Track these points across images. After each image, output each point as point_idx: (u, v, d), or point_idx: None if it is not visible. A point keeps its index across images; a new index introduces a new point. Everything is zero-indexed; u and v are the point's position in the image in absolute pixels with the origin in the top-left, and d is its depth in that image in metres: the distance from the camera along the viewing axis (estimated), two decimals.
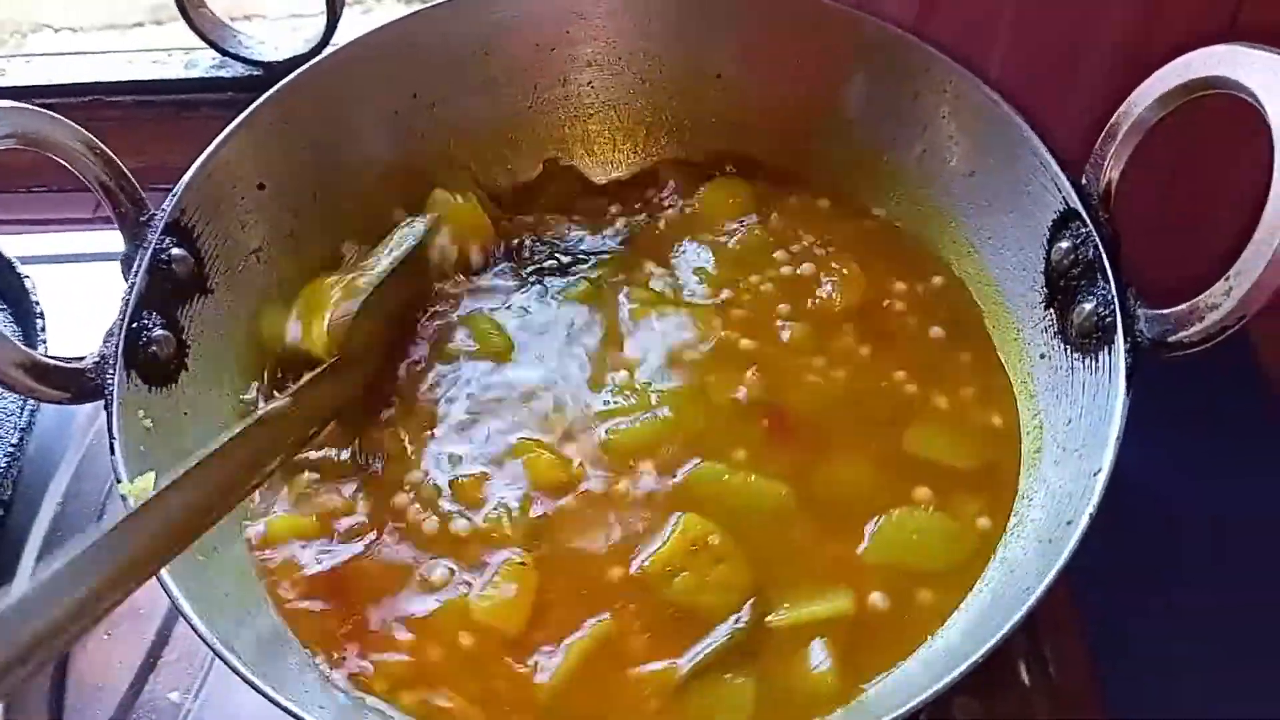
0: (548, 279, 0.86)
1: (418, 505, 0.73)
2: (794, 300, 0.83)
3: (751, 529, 0.71)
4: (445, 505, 0.73)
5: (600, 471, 0.74)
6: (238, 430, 0.65)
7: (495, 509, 0.73)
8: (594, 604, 0.69)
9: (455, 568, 0.71)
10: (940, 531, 0.72)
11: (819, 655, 0.67)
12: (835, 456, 0.75)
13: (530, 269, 0.87)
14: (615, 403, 0.78)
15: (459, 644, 0.68)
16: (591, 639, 0.68)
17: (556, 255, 0.88)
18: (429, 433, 0.77)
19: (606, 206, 0.91)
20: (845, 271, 0.84)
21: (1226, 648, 0.79)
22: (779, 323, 0.82)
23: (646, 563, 0.70)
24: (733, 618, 0.68)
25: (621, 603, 0.69)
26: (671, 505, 0.73)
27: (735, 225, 0.88)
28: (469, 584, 0.70)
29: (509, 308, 0.84)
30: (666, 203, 0.91)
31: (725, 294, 0.84)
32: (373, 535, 0.73)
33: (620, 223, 0.90)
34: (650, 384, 0.79)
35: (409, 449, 0.76)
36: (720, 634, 0.68)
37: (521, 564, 0.70)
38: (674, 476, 0.74)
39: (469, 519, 0.73)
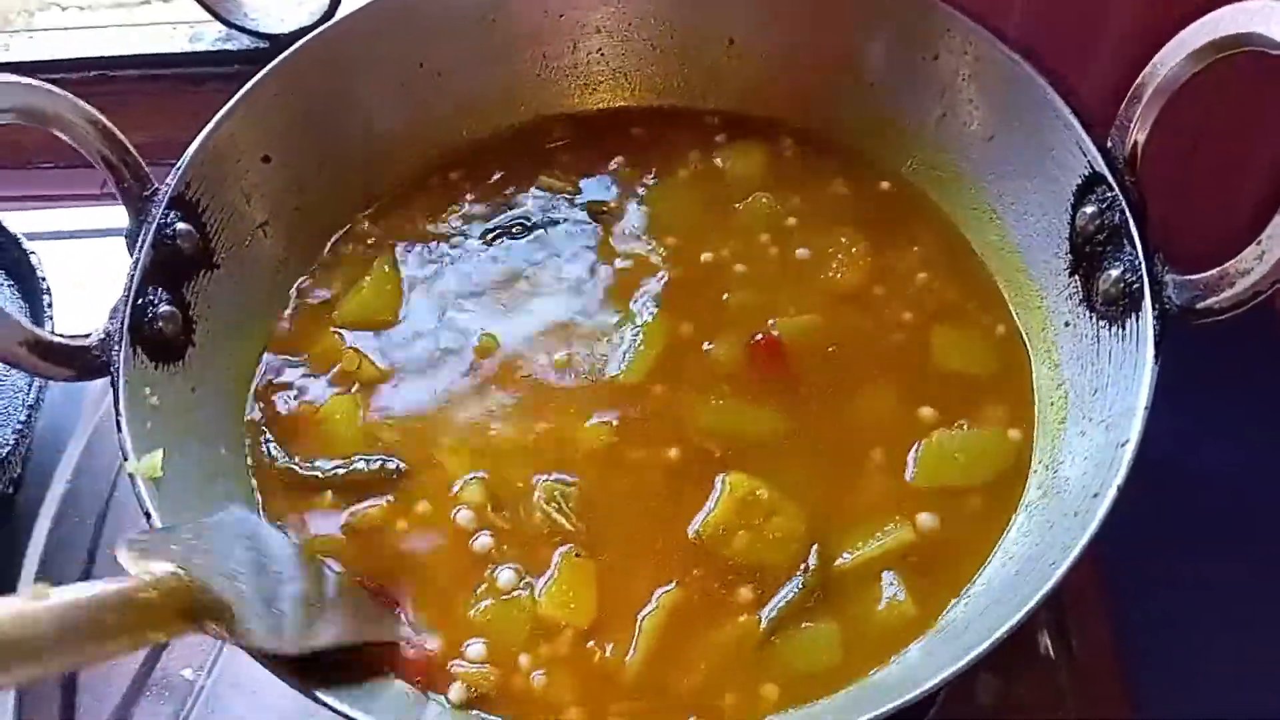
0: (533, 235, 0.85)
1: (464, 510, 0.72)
2: (801, 276, 0.82)
3: (796, 477, 0.71)
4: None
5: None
6: None
7: (541, 501, 0.72)
8: (659, 577, 0.68)
9: (518, 568, 0.69)
10: (979, 447, 0.72)
11: (892, 588, 0.67)
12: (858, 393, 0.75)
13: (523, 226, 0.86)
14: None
15: (538, 649, 0.67)
16: (662, 610, 0.67)
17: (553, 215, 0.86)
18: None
19: (611, 168, 0.89)
20: (853, 249, 0.82)
21: (1252, 622, 0.78)
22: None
23: (701, 528, 0.69)
24: (800, 567, 0.68)
25: (684, 571, 0.68)
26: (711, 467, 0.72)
27: (747, 191, 0.86)
28: (531, 585, 0.69)
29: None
30: (678, 165, 0.89)
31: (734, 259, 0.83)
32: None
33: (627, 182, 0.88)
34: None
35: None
36: (792, 585, 0.67)
37: (578, 555, 0.69)
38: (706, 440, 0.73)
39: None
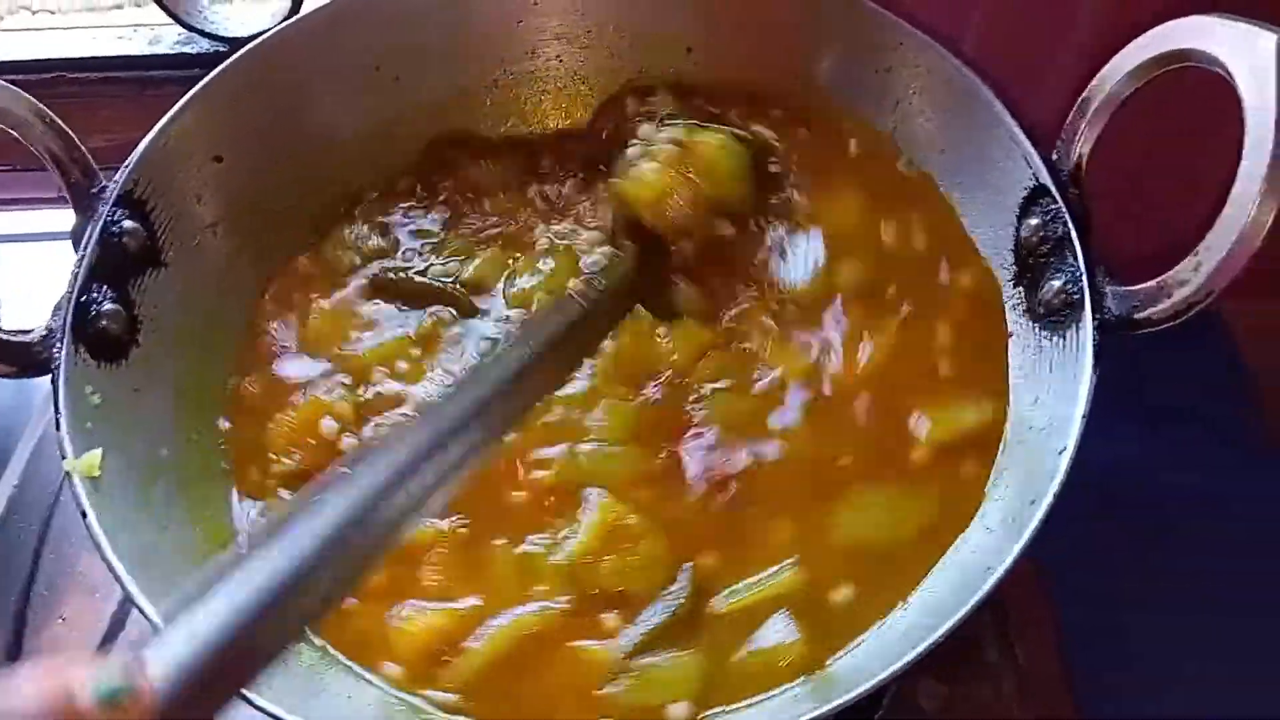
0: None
1: None
2: None
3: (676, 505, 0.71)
4: None
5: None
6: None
7: None
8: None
9: None
10: (895, 506, 0.71)
11: (775, 628, 0.66)
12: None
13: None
14: None
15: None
16: (515, 627, 0.67)
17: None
18: None
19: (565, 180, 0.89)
20: None
21: (1196, 628, 0.78)
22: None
23: (570, 554, 0.69)
24: (666, 593, 0.67)
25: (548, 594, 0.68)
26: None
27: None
28: None
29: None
30: None
31: None
32: None
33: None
34: None
35: None
36: (657, 611, 0.67)
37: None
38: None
39: None
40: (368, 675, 0.67)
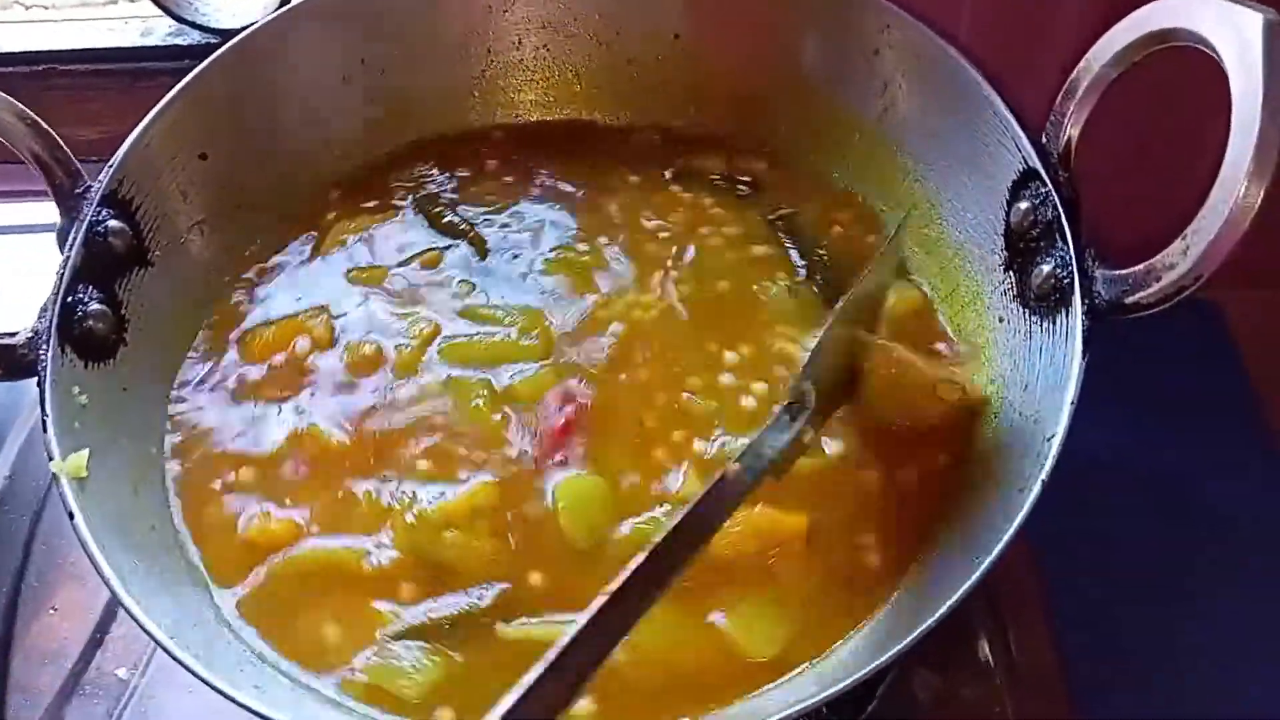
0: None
1: None
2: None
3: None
4: None
5: None
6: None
7: None
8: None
9: None
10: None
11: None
12: None
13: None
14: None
15: None
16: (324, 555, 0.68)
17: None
18: None
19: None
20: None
21: (1192, 622, 0.78)
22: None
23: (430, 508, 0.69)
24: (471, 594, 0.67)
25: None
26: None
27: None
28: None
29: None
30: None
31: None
32: None
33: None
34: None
35: None
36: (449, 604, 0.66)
37: None
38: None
39: None
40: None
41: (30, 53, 1.12)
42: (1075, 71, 0.68)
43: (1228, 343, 0.92)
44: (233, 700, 0.56)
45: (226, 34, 1.02)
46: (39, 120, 0.71)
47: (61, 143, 0.72)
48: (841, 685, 0.57)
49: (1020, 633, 0.77)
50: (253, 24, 0.94)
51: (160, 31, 1.13)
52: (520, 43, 0.90)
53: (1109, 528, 0.80)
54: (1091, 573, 0.79)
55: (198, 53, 1.07)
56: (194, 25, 1.06)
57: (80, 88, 1.12)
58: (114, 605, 0.79)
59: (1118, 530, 0.81)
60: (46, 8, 1.23)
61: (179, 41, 1.11)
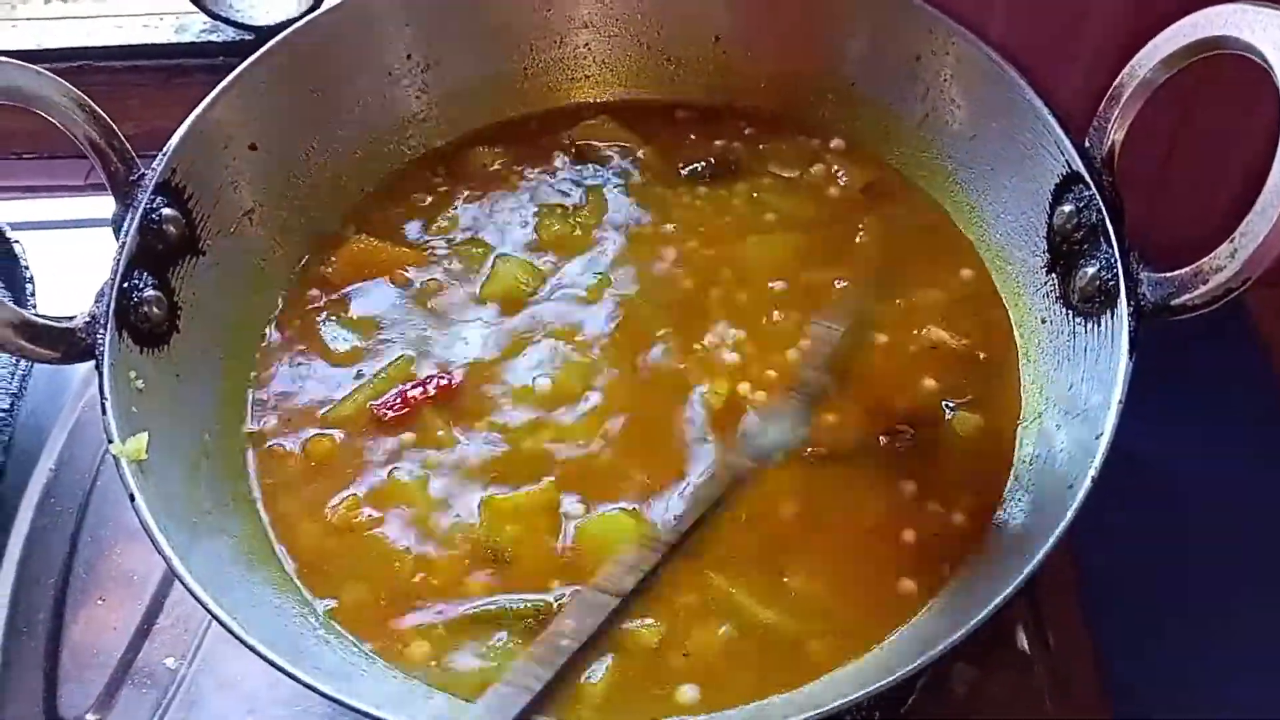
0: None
1: None
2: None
3: None
4: None
5: None
6: None
7: None
8: None
9: None
10: None
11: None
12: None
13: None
14: None
15: None
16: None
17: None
18: None
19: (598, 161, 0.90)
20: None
21: (1230, 620, 0.79)
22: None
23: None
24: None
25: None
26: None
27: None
28: None
29: None
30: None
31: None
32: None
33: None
34: None
35: None
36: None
37: None
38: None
39: None
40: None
41: (66, 49, 1.13)
42: (1120, 77, 0.69)
43: (1253, 341, 0.93)
44: (297, 679, 0.57)
45: (260, 30, 1.04)
46: (96, 107, 0.72)
47: (117, 130, 0.73)
48: (887, 681, 0.58)
49: (1058, 627, 0.77)
50: (292, 19, 0.95)
51: (195, 28, 1.14)
52: (562, 41, 0.91)
53: (1139, 522, 0.81)
54: (1125, 567, 0.80)
55: (232, 49, 1.09)
56: (228, 22, 1.07)
57: (116, 84, 1.13)
58: (161, 596, 0.80)
59: (1148, 525, 0.81)
60: (65, 1, 1.24)
61: (213, 38, 1.12)
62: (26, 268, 0.90)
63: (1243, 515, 0.83)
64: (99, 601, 0.80)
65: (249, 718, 0.75)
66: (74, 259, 0.96)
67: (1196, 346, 0.85)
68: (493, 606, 0.68)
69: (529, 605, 0.67)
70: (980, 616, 0.58)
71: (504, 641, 0.66)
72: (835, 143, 0.89)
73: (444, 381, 0.76)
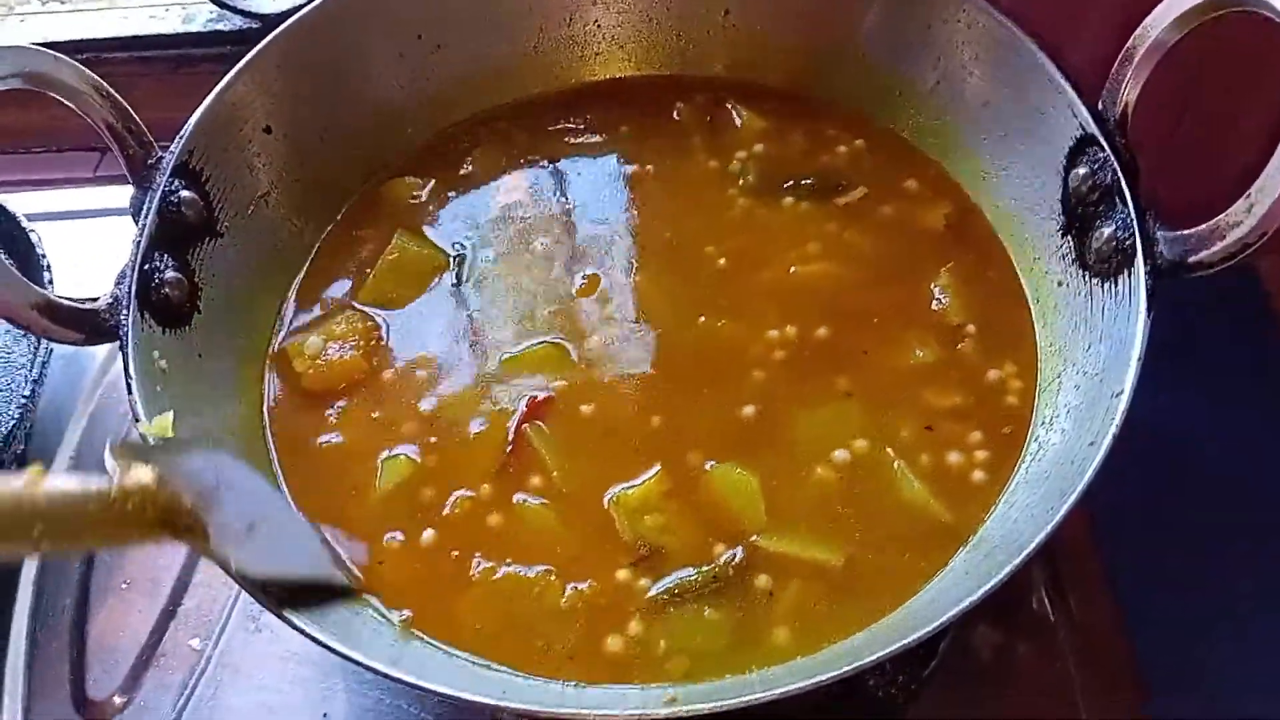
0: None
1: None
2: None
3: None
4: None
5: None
6: None
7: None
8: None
9: None
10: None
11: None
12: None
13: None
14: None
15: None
16: None
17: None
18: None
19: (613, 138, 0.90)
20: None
21: (1246, 573, 0.79)
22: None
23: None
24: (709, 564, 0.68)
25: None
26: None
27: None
28: None
29: None
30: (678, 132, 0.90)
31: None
32: None
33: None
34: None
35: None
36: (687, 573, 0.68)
37: None
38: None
39: None
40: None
41: (73, 41, 1.13)
42: (1132, 38, 0.69)
43: (1268, 313, 0.93)
44: (340, 655, 0.57)
45: (267, 19, 1.04)
46: (114, 92, 0.72)
47: (133, 114, 0.73)
48: (911, 638, 0.58)
49: (1077, 587, 0.78)
50: (299, 6, 0.96)
51: (201, 18, 1.14)
52: (571, 19, 0.91)
53: (1152, 482, 0.81)
54: (1140, 525, 0.80)
55: (239, 38, 1.09)
56: (235, 10, 1.07)
57: (123, 74, 1.12)
58: (185, 579, 0.81)
59: (1161, 484, 0.81)
60: (62, 1, 1.24)
61: (221, 27, 1.13)
62: (43, 255, 0.90)
63: (1263, 484, 0.83)
64: (123, 586, 0.81)
65: (273, 695, 0.75)
66: (85, 247, 0.96)
67: (1212, 324, 0.86)
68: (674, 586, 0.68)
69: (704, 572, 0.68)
70: (1002, 575, 0.58)
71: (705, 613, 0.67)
72: None
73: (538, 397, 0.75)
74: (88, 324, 0.67)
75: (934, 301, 0.78)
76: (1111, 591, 0.78)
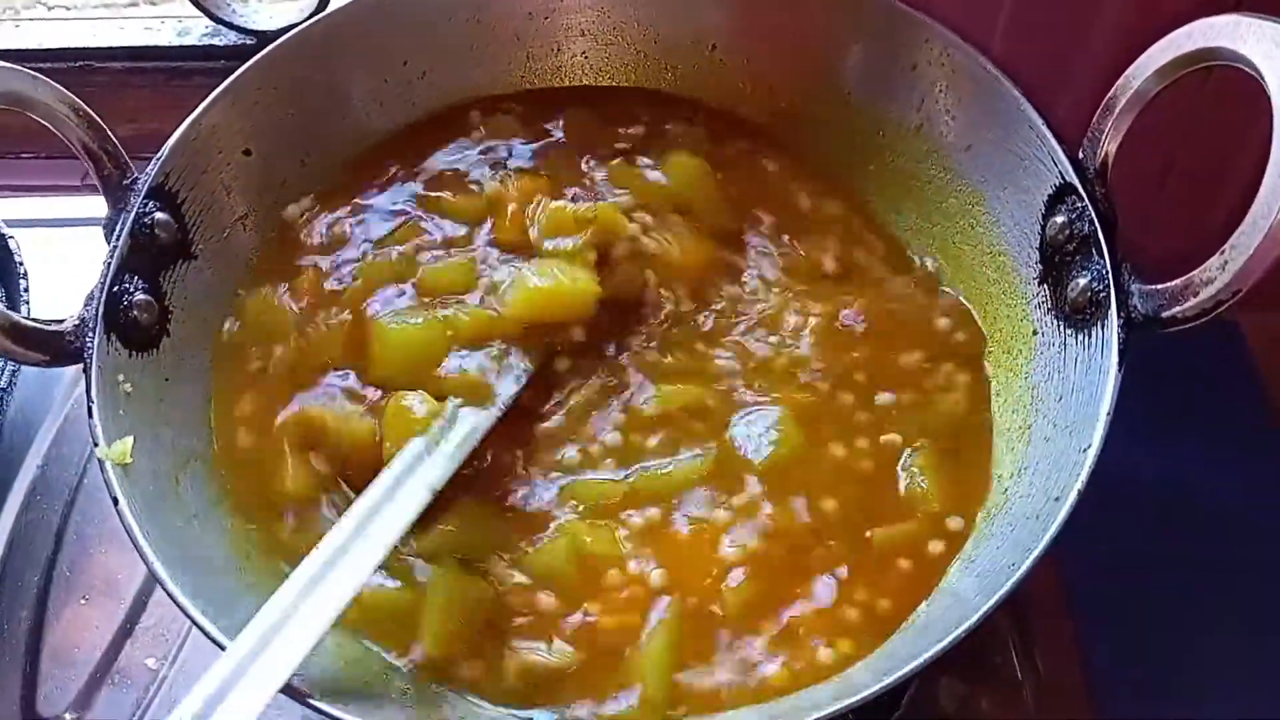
0: None
1: None
2: None
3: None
4: None
5: None
6: None
7: None
8: None
9: None
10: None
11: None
12: None
13: None
14: None
15: None
16: None
17: None
18: None
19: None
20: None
21: (1215, 640, 0.78)
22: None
23: None
24: None
25: None
26: None
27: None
28: None
29: None
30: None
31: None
32: None
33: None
34: None
35: None
36: None
37: None
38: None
39: None
40: None
41: (67, 49, 1.13)
42: (1114, 88, 0.69)
43: (1246, 363, 0.93)
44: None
45: (263, 35, 1.04)
46: (90, 112, 0.72)
47: (111, 135, 0.73)
48: (871, 691, 0.58)
49: (1045, 644, 0.77)
50: (294, 25, 0.96)
51: (197, 32, 1.14)
52: (559, 49, 0.91)
53: (1128, 542, 0.81)
54: (1112, 586, 0.80)
55: (234, 53, 1.09)
56: (231, 26, 1.07)
57: (116, 85, 1.13)
58: (144, 596, 0.80)
59: (1137, 544, 0.81)
60: (68, 8, 1.25)
61: (215, 42, 1.13)
62: (20, 263, 0.90)
63: (1231, 532, 0.83)
64: (81, 600, 0.80)
65: None
66: (69, 257, 0.96)
67: (1191, 375, 0.86)
68: None
69: None
70: (964, 627, 0.58)
71: None
72: None
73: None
74: (53, 346, 0.67)
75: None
76: (1079, 651, 0.77)
